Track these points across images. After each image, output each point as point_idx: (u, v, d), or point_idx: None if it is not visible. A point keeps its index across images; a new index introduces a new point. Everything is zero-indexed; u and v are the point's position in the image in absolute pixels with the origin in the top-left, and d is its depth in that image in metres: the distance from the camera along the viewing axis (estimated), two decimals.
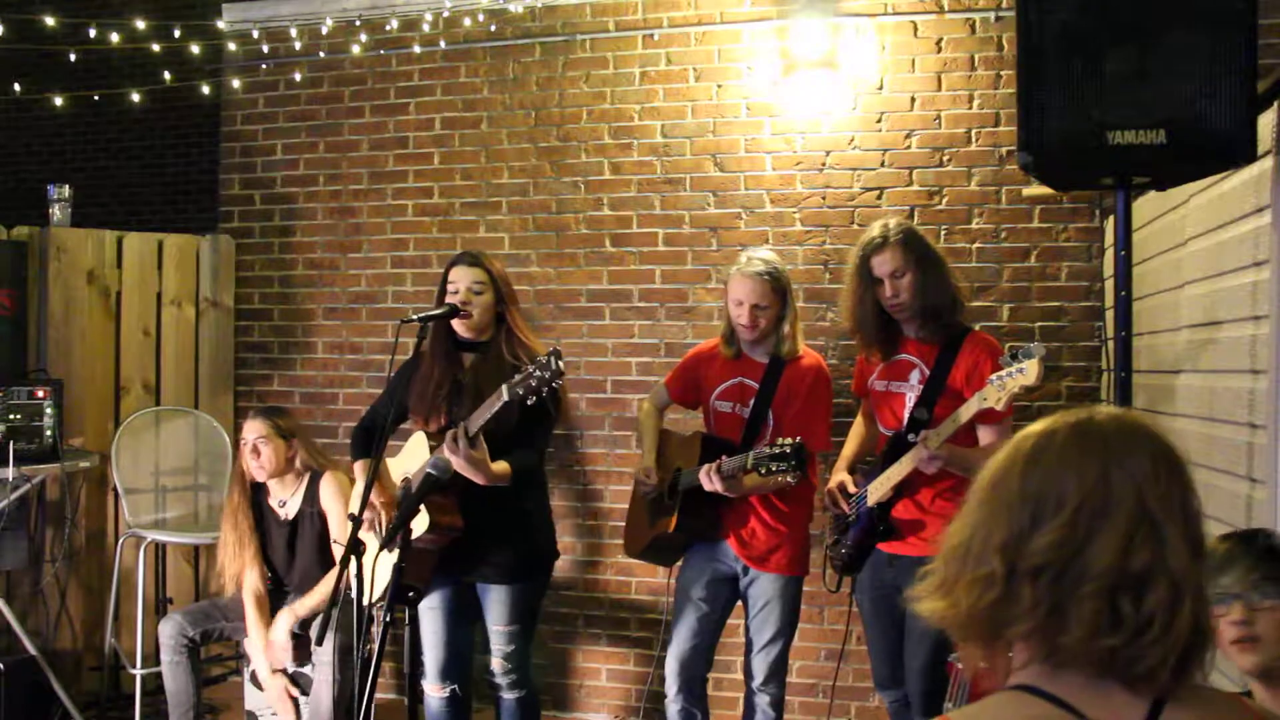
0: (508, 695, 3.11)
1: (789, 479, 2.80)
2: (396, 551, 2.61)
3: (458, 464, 2.75)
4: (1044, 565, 1.03)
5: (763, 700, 3.12)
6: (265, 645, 3.52)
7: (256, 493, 3.67)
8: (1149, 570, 1.01)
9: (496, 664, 3.06)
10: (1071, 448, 1.07)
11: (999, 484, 1.10)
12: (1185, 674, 1.02)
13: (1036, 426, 1.13)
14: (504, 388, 2.69)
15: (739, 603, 3.20)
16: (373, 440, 3.18)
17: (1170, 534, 1.02)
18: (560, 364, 2.63)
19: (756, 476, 2.85)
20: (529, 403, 2.67)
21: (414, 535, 2.80)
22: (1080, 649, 1.02)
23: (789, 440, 2.75)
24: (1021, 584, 1.04)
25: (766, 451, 2.77)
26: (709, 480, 2.92)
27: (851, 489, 3.05)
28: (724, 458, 2.92)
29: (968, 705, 1.11)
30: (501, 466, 2.85)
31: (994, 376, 2.63)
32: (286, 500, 3.64)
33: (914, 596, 1.15)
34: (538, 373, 2.63)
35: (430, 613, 3.07)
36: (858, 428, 3.31)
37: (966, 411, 2.70)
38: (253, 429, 3.58)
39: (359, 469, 3.17)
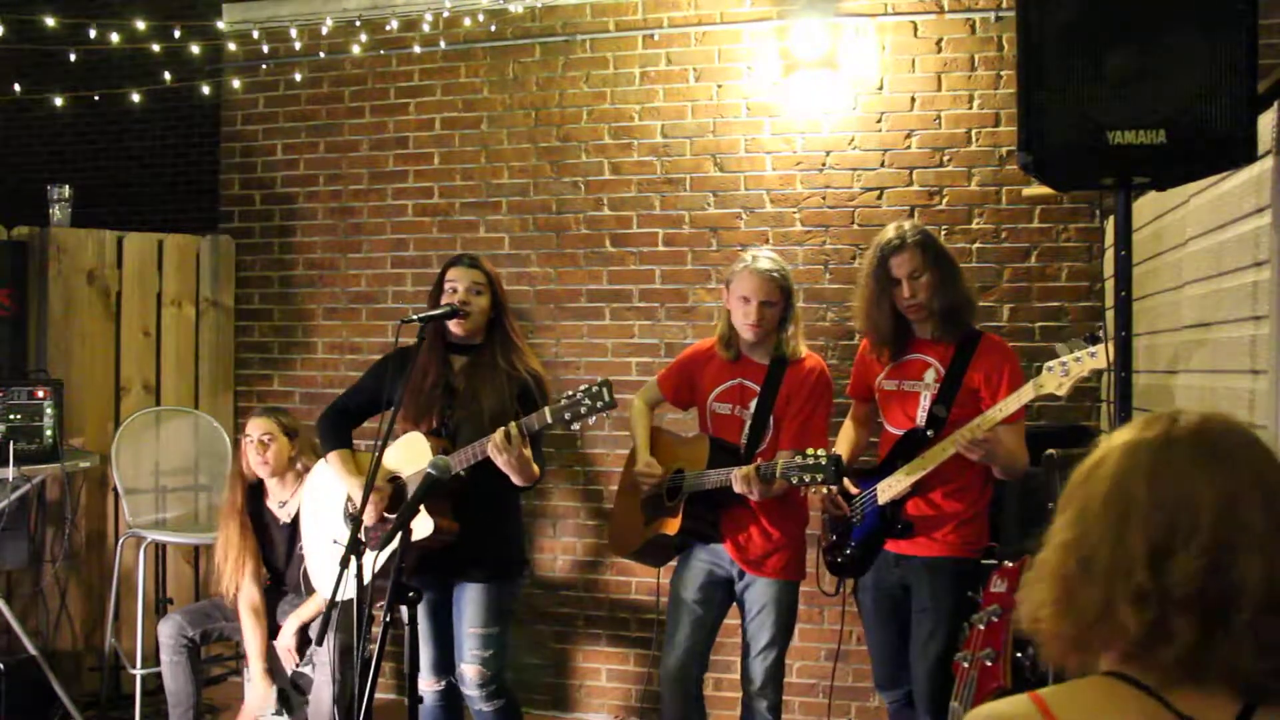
0: (486, 707, 3.00)
1: (823, 490, 2.84)
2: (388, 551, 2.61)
3: (504, 462, 2.74)
4: (1192, 594, 0.99)
5: (760, 705, 3.10)
6: (260, 653, 3.53)
7: (255, 496, 3.67)
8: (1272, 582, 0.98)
9: (473, 671, 2.97)
10: (1194, 455, 1.04)
11: (1118, 493, 1.06)
12: None
13: (1146, 432, 1.09)
14: (546, 410, 2.70)
15: (735, 605, 3.20)
16: (346, 427, 3.20)
17: None
18: (612, 396, 2.63)
19: (784, 483, 2.83)
20: (574, 427, 2.66)
21: (416, 537, 2.80)
22: (1191, 659, 0.99)
23: (822, 451, 2.73)
24: (1176, 616, 1.00)
25: (797, 462, 2.74)
26: (746, 485, 2.86)
27: (853, 491, 3.05)
28: (761, 462, 2.90)
29: (1054, 685, 1.07)
30: (536, 466, 2.88)
31: (1053, 363, 2.63)
32: (286, 501, 3.64)
33: (1022, 617, 1.10)
34: (587, 401, 2.63)
35: (421, 609, 3.06)
36: (848, 431, 3.29)
37: (1017, 400, 2.71)
38: (258, 425, 3.59)
39: (336, 460, 3.15)
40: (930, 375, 2.96)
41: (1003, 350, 2.95)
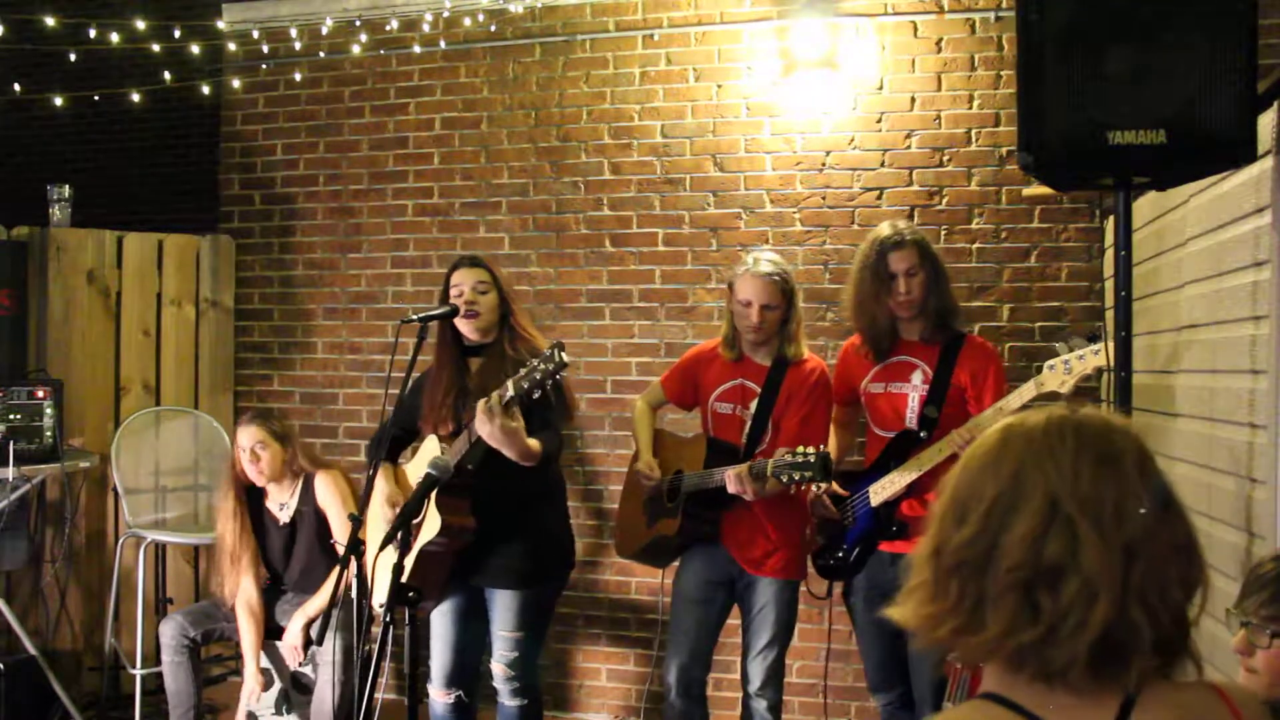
0: (510, 703, 3.05)
1: (814, 488, 2.86)
2: (397, 553, 2.60)
3: (490, 436, 2.70)
4: (961, 562, 1.04)
5: (760, 705, 3.11)
6: (254, 651, 3.53)
7: (253, 496, 3.66)
8: (1060, 565, 0.99)
9: (499, 670, 3.01)
10: (995, 449, 1.07)
11: (939, 495, 1.11)
12: (1109, 675, 1.01)
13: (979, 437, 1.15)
14: (508, 383, 2.68)
15: (736, 605, 3.19)
16: (387, 446, 3.17)
17: (1086, 532, 0.99)
18: (563, 355, 2.61)
19: (776, 482, 2.83)
20: (534, 397, 2.66)
21: (427, 539, 2.80)
22: (997, 645, 1.01)
23: (810, 449, 2.74)
24: (947, 582, 1.05)
25: (787, 460, 2.75)
26: (739, 484, 2.87)
27: (842, 494, 3.04)
28: (754, 461, 2.90)
29: (945, 711, 1.10)
30: (533, 442, 2.82)
31: (1054, 361, 2.63)
32: (285, 503, 3.64)
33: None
34: (541, 365, 2.62)
35: (440, 616, 3.05)
36: (831, 436, 3.29)
37: (1019, 398, 2.70)
38: (249, 435, 3.55)
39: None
40: (918, 377, 2.96)
41: (986, 350, 2.98)
